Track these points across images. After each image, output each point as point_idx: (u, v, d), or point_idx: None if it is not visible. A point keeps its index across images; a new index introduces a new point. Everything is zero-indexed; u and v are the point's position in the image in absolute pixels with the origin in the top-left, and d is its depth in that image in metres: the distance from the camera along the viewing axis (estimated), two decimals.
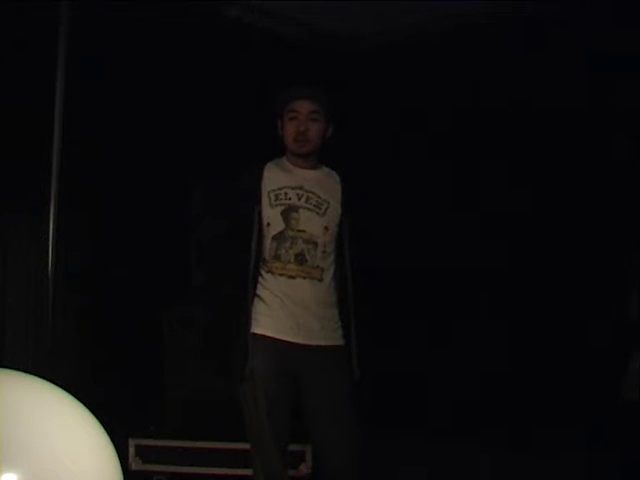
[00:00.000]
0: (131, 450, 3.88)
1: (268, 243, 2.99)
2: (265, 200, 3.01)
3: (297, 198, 3.01)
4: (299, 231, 2.98)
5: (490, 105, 4.53)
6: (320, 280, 2.98)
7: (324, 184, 3.08)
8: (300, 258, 2.97)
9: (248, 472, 3.08)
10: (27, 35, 3.82)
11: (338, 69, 4.54)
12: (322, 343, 2.98)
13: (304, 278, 2.97)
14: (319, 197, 3.03)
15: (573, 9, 3.84)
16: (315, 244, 2.98)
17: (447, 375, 4.56)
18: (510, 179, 4.57)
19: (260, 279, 3.00)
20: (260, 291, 3.00)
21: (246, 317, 2.97)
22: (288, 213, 2.99)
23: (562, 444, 4.06)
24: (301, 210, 3.00)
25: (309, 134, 3.02)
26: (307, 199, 3.02)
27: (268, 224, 2.99)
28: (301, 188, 3.03)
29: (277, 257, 2.97)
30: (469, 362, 4.55)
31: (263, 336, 2.97)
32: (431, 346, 4.60)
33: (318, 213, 3.02)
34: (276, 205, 3.00)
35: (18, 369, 2.25)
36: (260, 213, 3.00)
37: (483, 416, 4.39)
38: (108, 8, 3.84)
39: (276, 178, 3.05)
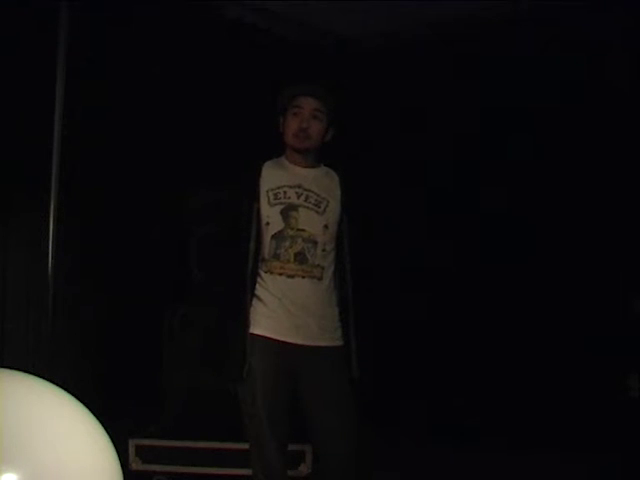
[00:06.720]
0: (131, 450, 3.87)
1: (267, 242, 2.97)
2: (264, 199, 3.00)
3: (296, 197, 3.00)
4: (299, 230, 2.97)
5: (491, 106, 4.53)
6: (320, 279, 2.97)
7: (323, 182, 3.07)
8: (300, 257, 2.96)
9: (248, 472, 3.08)
10: (27, 35, 3.82)
11: (338, 69, 4.55)
12: (321, 344, 2.98)
13: (303, 277, 2.96)
14: (318, 195, 3.02)
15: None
16: (315, 243, 2.97)
17: (447, 375, 4.57)
18: (508, 178, 4.57)
19: (259, 279, 2.99)
20: (259, 291, 2.98)
21: (244, 317, 2.97)
22: (287, 212, 2.98)
23: (562, 444, 4.07)
24: (300, 209, 2.99)
25: (310, 131, 3.02)
26: (306, 198, 3.01)
27: (267, 223, 2.98)
28: (300, 187, 3.02)
29: (276, 256, 2.96)
30: (469, 361, 4.55)
31: (262, 336, 2.96)
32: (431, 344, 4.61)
33: (317, 212, 3.01)
34: (275, 204, 2.99)
35: (18, 369, 2.25)
36: (259, 212, 2.99)
37: (482, 417, 4.40)
38: (108, 8, 3.85)
39: (275, 177, 3.04)
